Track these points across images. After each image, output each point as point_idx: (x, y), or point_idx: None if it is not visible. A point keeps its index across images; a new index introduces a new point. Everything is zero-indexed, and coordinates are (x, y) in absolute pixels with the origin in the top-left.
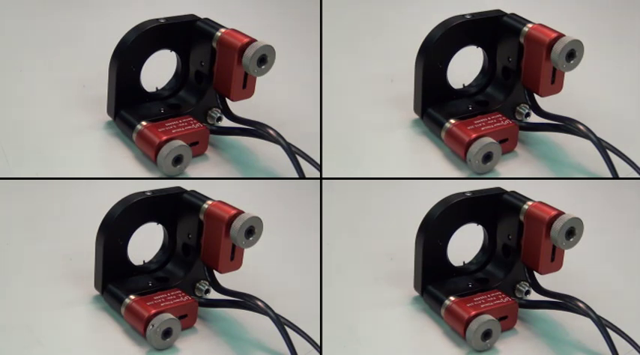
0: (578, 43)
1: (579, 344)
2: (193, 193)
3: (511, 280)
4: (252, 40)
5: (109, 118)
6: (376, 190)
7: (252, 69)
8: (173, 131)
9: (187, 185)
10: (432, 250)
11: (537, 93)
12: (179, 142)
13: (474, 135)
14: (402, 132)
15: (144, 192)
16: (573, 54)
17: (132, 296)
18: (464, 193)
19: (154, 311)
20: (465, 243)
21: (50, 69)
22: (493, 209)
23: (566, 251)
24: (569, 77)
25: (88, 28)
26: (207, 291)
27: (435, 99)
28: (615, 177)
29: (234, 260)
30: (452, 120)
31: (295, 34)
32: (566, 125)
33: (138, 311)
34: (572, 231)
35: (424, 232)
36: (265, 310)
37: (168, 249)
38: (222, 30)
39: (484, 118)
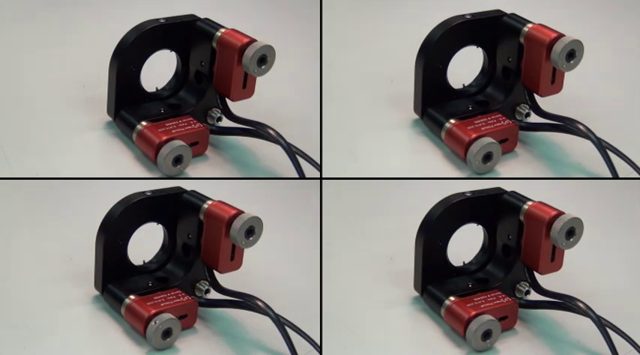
0: (578, 43)
1: (579, 344)
2: (193, 193)
3: (511, 280)
4: (252, 40)
5: (109, 118)
6: (376, 190)
7: (252, 69)
8: (173, 131)
9: (187, 185)
10: (432, 250)
11: (537, 94)
12: (179, 142)
13: (474, 135)
14: (402, 132)
15: (144, 192)
16: (573, 54)
17: (132, 296)
18: (464, 193)
19: (154, 311)
20: (465, 243)
21: (50, 69)
22: (493, 209)
23: (566, 251)
24: (569, 77)
25: (88, 28)
26: (207, 291)
27: (435, 99)
28: (615, 177)
29: (234, 260)
30: (452, 120)
31: (295, 34)
32: (566, 125)
33: (138, 311)
34: (572, 231)
35: (424, 232)
36: (265, 310)
37: (168, 249)
38: (222, 30)
39: (484, 118)
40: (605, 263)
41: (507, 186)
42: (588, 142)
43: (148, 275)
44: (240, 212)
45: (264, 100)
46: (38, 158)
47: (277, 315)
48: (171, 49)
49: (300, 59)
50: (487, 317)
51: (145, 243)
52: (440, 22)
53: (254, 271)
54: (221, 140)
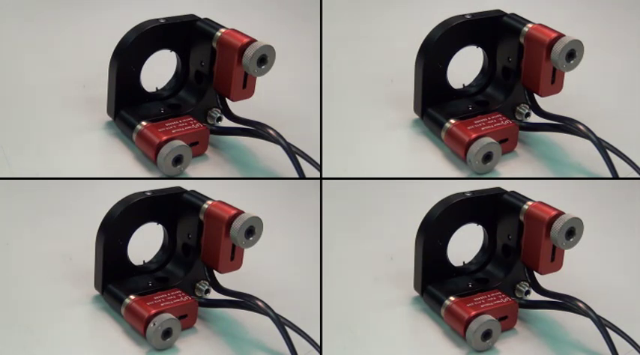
0: (578, 43)
1: (579, 344)
2: (193, 193)
3: (511, 280)
4: (252, 40)
5: (109, 118)
6: (376, 190)
7: (252, 69)
8: (173, 131)
9: (187, 185)
10: (432, 250)
11: (537, 93)
12: (179, 142)
13: (474, 135)
14: (402, 132)
15: (144, 192)
16: (573, 54)
17: (132, 296)
18: (464, 193)
19: (154, 311)
20: (465, 243)
21: (50, 69)
22: (493, 209)
23: (565, 251)
24: (569, 77)
25: (87, 28)
26: (207, 291)
27: (435, 99)
28: (615, 177)
29: (234, 260)
30: (452, 120)
31: (295, 34)
32: (566, 125)
33: (138, 311)
34: (572, 231)
35: (424, 232)
36: (265, 310)
37: (168, 249)
38: (222, 30)
39: (484, 118)
40: (605, 263)
41: (507, 186)
42: (588, 142)
43: (148, 275)
44: (240, 212)
45: (264, 100)
46: (38, 158)
47: (277, 315)
48: (171, 49)
49: (300, 59)
50: (487, 317)
51: (145, 243)
52: (440, 22)
53: (254, 271)
54: (221, 140)
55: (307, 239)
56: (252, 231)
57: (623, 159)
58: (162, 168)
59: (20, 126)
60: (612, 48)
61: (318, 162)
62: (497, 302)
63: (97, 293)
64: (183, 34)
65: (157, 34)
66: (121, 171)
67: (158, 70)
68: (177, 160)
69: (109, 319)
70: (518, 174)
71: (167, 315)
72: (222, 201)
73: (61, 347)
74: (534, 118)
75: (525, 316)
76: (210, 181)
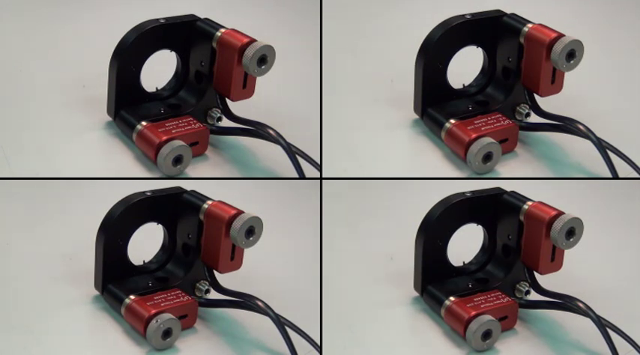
0: (578, 43)
1: (579, 344)
2: (193, 193)
3: (511, 280)
4: (252, 40)
5: (109, 118)
6: (376, 190)
7: (252, 69)
8: (173, 131)
9: (187, 185)
10: (432, 250)
11: (537, 94)
12: (179, 142)
13: (474, 135)
14: (402, 132)
15: (144, 192)
16: (573, 54)
17: (132, 296)
18: (464, 193)
19: (154, 311)
20: (465, 243)
21: (50, 69)
22: (493, 209)
23: (565, 251)
24: (569, 77)
25: (87, 28)
26: (207, 291)
27: (435, 99)
28: (615, 177)
29: (234, 260)
30: (452, 120)
31: (295, 34)
32: (566, 125)
33: (138, 311)
34: (572, 231)
35: (424, 232)
36: (265, 310)
37: (168, 249)
38: (222, 30)
39: (484, 118)
40: (605, 263)
41: (507, 186)
42: (588, 142)
43: (148, 275)
44: (240, 212)
45: (264, 100)
46: (38, 158)
47: (277, 315)
48: (171, 49)
49: (300, 59)
50: (487, 317)
51: (145, 243)
52: (440, 22)
53: (254, 271)
54: (221, 140)
55: (307, 239)
56: (252, 231)
57: (623, 159)
58: (162, 168)
59: (20, 126)
60: (612, 48)
61: (318, 162)
62: (497, 302)
63: (97, 293)
64: (183, 34)
65: (157, 34)
66: (121, 171)
67: (158, 70)
68: (177, 160)
69: (109, 319)
70: (518, 174)
71: (167, 315)
72: (222, 201)
73: (61, 347)
74: (534, 118)
75: (525, 316)
76: (210, 181)
